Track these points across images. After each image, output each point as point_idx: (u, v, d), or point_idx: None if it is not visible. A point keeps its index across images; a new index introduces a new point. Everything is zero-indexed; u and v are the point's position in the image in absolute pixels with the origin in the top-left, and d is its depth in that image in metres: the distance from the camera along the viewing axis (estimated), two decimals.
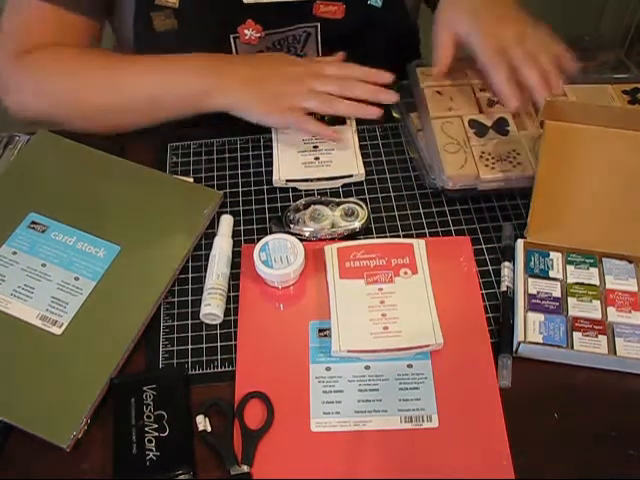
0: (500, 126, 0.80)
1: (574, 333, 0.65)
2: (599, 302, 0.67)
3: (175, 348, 0.67)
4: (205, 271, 0.71)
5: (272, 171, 0.80)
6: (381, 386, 0.64)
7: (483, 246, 0.74)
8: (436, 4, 0.84)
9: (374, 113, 0.79)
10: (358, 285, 0.69)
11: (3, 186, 0.76)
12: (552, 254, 0.70)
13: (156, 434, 0.60)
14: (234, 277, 0.72)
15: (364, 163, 0.80)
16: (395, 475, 0.59)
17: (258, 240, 0.71)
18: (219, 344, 0.67)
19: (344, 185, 0.79)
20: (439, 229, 0.76)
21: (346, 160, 0.80)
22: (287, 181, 0.79)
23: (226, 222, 0.74)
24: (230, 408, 0.63)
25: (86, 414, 0.61)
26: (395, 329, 0.66)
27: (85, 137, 0.80)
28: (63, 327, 0.65)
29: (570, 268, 0.69)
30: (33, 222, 0.72)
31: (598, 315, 0.66)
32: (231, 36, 0.85)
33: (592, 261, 0.70)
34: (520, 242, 0.71)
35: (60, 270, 0.69)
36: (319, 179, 0.79)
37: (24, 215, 0.72)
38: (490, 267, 0.72)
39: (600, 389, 0.64)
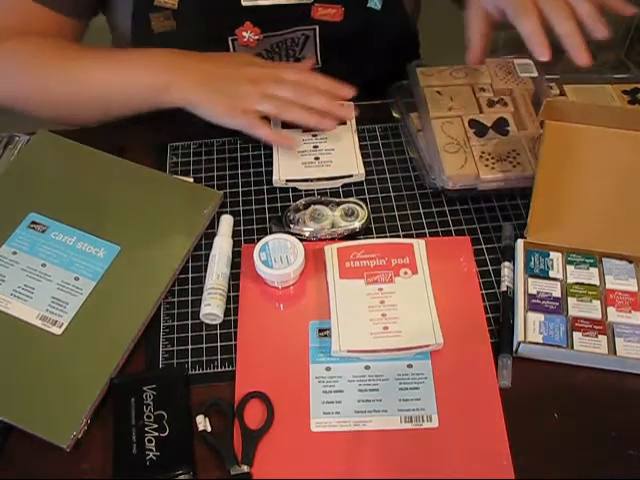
0: (500, 126, 0.80)
1: (574, 333, 0.65)
2: (599, 302, 0.67)
3: (175, 348, 0.67)
4: (205, 271, 0.71)
5: (272, 171, 0.79)
6: (381, 386, 0.64)
7: (483, 246, 0.74)
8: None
9: (326, 126, 0.79)
10: (358, 285, 0.69)
11: (3, 186, 0.76)
12: (552, 254, 0.70)
13: (156, 434, 0.60)
14: (234, 277, 0.72)
15: (364, 163, 0.80)
16: (395, 475, 0.59)
17: (258, 240, 0.71)
18: (219, 344, 0.67)
19: (344, 185, 0.79)
20: (439, 229, 0.76)
21: (346, 160, 0.80)
22: (287, 181, 0.79)
23: (226, 222, 0.74)
24: (230, 408, 0.63)
25: (86, 414, 0.61)
26: (395, 329, 0.66)
27: (85, 137, 0.80)
28: (63, 327, 0.65)
29: (570, 268, 0.69)
30: (33, 222, 0.72)
31: (598, 315, 0.66)
32: (229, 38, 0.85)
33: (592, 261, 0.70)
34: (520, 242, 0.71)
35: (60, 270, 0.69)
36: (319, 179, 0.79)
37: (24, 215, 0.72)
38: (490, 267, 0.72)
39: (600, 389, 0.64)
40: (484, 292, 0.70)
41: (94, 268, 0.69)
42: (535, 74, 0.85)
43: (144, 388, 0.62)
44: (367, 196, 0.78)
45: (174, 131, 0.85)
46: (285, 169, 0.79)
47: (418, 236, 0.74)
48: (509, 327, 0.66)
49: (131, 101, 0.79)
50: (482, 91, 0.84)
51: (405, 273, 0.69)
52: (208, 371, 0.66)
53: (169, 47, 0.81)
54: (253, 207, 0.78)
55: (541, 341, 0.64)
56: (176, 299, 0.71)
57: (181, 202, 0.76)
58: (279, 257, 0.69)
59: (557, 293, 0.67)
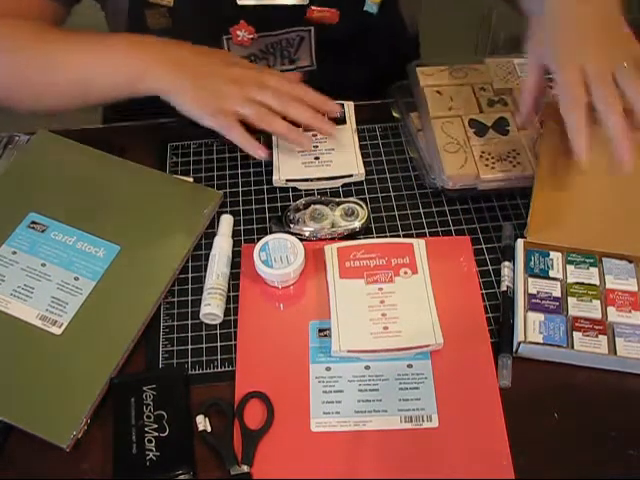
0: (500, 126, 0.80)
1: (574, 333, 0.65)
2: (599, 302, 0.67)
3: (175, 348, 0.67)
4: (205, 271, 0.71)
5: (272, 171, 0.79)
6: (381, 386, 0.64)
7: (483, 246, 0.74)
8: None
9: (302, 143, 0.77)
10: (358, 285, 0.69)
11: (3, 186, 0.76)
12: (552, 254, 0.70)
13: (156, 434, 0.60)
14: (234, 277, 0.72)
15: (364, 163, 0.80)
16: (395, 475, 0.59)
17: (258, 240, 0.71)
18: (219, 344, 0.67)
19: (344, 185, 0.79)
20: (439, 229, 0.76)
21: (346, 160, 0.80)
22: (287, 181, 0.79)
23: (226, 222, 0.74)
24: (230, 408, 0.63)
25: (86, 414, 0.61)
26: (395, 329, 0.66)
27: (85, 137, 0.80)
28: (63, 327, 0.65)
29: (570, 268, 0.69)
30: (33, 222, 0.72)
31: (598, 315, 0.66)
32: (224, 37, 0.85)
33: (592, 261, 0.70)
34: (520, 242, 0.71)
35: (60, 270, 0.69)
36: (319, 179, 0.79)
37: (24, 215, 0.72)
38: (490, 267, 0.72)
39: (600, 389, 0.64)
40: (484, 292, 0.70)
41: (94, 268, 0.69)
42: None
43: (144, 388, 0.62)
44: (367, 196, 0.78)
45: (174, 131, 0.85)
46: (285, 169, 0.79)
47: (418, 236, 0.74)
48: (509, 327, 0.66)
49: (108, 87, 0.77)
50: (482, 91, 0.84)
51: (405, 273, 0.69)
52: (208, 371, 0.66)
53: None
54: (253, 207, 0.78)
55: (541, 341, 0.64)
56: (176, 299, 0.71)
57: (181, 202, 0.76)
58: (279, 257, 0.69)
59: (557, 293, 0.67)
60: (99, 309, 0.67)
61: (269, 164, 0.81)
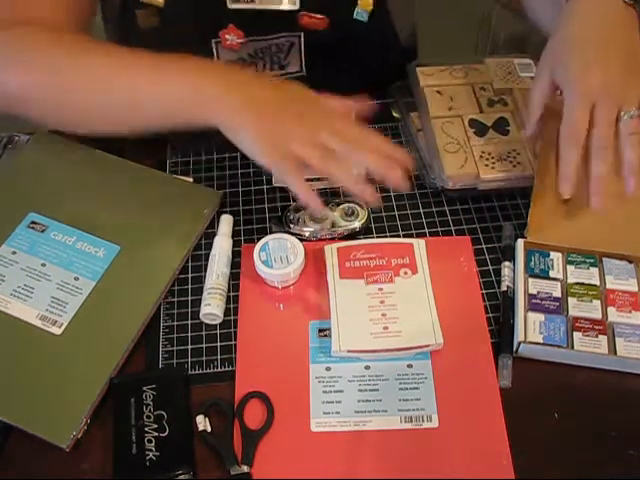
0: (500, 126, 0.80)
1: (574, 333, 0.64)
2: (599, 302, 0.67)
3: (175, 348, 0.67)
4: (205, 271, 0.71)
5: (272, 171, 0.79)
6: (381, 386, 0.64)
7: (483, 246, 0.74)
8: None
9: (370, 199, 0.67)
10: (358, 285, 0.69)
11: (3, 186, 0.76)
12: (552, 254, 0.70)
13: (156, 434, 0.60)
14: (234, 277, 0.72)
15: None
16: (395, 475, 0.59)
17: (258, 240, 0.71)
18: (219, 344, 0.67)
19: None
20: (439, 229, 0.75)
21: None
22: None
23: (226, 222, 0.74)
24: (230, 408, 0.62)
25: (86, 414, 0.61)
26: (395, 329, 0.66)
27: (85, 137, 0.80)
28: (63, 327, 0.65)
29: (570, 268, 0.69)
30: (33, 222, 0.72)
31: (598, 315, 0.66)
32: (213, 40, 0.85)
33: (592, 261, 0.70)
34: (520, 242, 0.71)
35: (60, 270, 0.69)
36: (319, 178, 0.79)
37: (24, 215, 0.72)
38: (490, 267, 0.72)
39: (600, 389, 0.64)
40: (484, 292, 0.70)
41: (94, 268, 0.69)
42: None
43: (144, 388, 0.62)
44: None
45: (174, 131, 0.84)
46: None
47: (418, 236, 0.74)
48: (509, 327, 0.66)
49: (158, 112, 0.70)
50: (482, 91, 0.84)
51: (405, 273, 0.69)
52: (208, 371, 0.66)
53: (154, 44, 0.79)
54: (253, 207, 0.78)
55: (541, 341, 0.64)
56: (176, 299, 0.71)
57: (181, 202, 0.76)
58: (279, 257, 0.69)
59: (557, 293, 0.67)
60: (99, 309, 0.67)
61: None
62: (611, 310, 0.66)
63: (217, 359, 0.66)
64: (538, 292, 0.67)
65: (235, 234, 0.75)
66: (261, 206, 0.78)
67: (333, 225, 0.74)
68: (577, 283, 0.68)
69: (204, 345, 0.67)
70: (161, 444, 0.59)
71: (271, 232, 0.74)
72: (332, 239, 0.74)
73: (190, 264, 0.73)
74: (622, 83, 0.66)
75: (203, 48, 0.84)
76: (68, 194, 0.75)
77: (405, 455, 0.60)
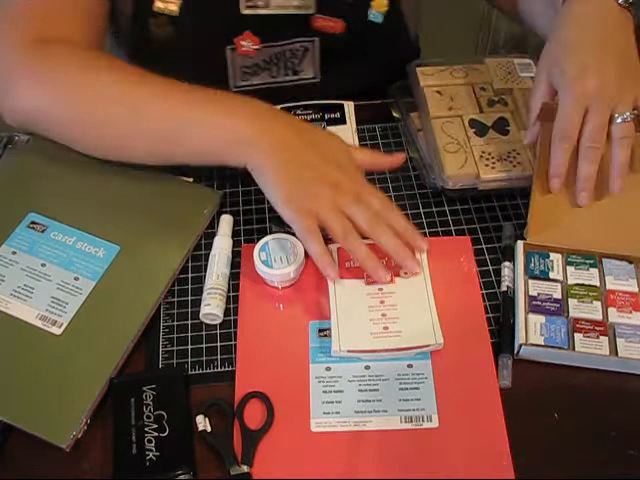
0: (500, 126, 0.80)
1: (575, 334, 0.64)
2: (600, 303, 0.67)
3: (175, 348, 0.67)
4: (205, 271, 0.71)
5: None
6: (381, 386, 0.64)
7: (483, 246, 0.74)
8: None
9: (382, 278, 0.67)
10: (358, 285, 0.69)
11: (3, 186, 0.76)
12: (552, 255, 0.70)
13: (156, 434, 0.60)
14: (234, 277, 0.72)
15: None
16: (395, 475, 0.59)
17: (258, 240, 0.71)
18: (219, 344, 0.67)
19: None
20: (439, 229, 0.76)
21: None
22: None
23: (226, 222, 0.74)
24: (230, 408, 0.62)
25: (86, 414, 0.61)
26: (395, 329, 0.66)
27: None
28: (63, 327, 0.65)
29: (570, 269, 0.69)
30: (33, 222, 0.72)
31: (599, 316, 0.66)
32: (228, 47, 0.85)
33: (592, 262, 0.70)
34: (520, 243, 0.71)
35: (60, 270, 0.69)
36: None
37: (24, 215, 0.72)
38: (490, 267, 0.72)
39: (600, 389, 0.64)
40: (484, 292, 0.70)
41: (94, 268, 0.69)
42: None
43: (144, 388, 0.62)
44: None
45: None
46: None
47: None
48: (509, 327, 0.66)
49: (194, 150, 0.70)
50: (482, 91, 0.84)
51: (405, 273, 0.69)
52: (208, 371, 0.66)
53: (166, 53, 0.79)
54: (253, 207, 0.78)
55: (542, 343, 0.64)
56: (176, 299, 0.71)
57: (181, 202, 0.76)
58: (279, 257, 0.69)
59: (558, 294, 0.67)
60: (99, 309, 0.67)
61: None
62: (612, 311, 0.66)
63: (217, 359, 0.66)
64: (538, 294, 0.67)
65: (235, 234, 0.74)
66: (261, 206, 0.78)
67: None
68: (577, 284, 0.68)
69: (204, 345, 0.67)
70: (161, 444, 0.59)
71: (271, 232, 0.74)
72: (332, 239, 0.74)
73: (190, 264, 0.73)
74: (617, 86, 0.67)
75: (217, 55, 0.84)
76: (68, 194, 0.75)
77: (405, 455, 0.60)
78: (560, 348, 0.64)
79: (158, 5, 0.80)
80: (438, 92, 0.84)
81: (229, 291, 0.70)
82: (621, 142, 0.68)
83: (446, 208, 0.77)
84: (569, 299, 0.67)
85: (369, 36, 0.87)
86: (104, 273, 0.69)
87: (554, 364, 0.65)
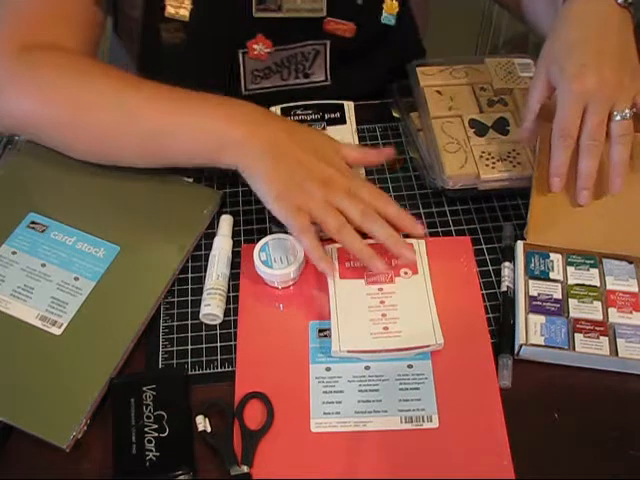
0: (500, 126, 0.80)
1: (575, 335, 0.64)
2: (600, 303, 0.67)
3: (175, 348, 0.67)
4: (205, 271, 0.71)
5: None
6: (381, 386, 0.64)
7: (483, 246, 0.74)
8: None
9: (378, 268, 0.67)
10: (358, 285, 0.69)
11: (3, 186, 0.76)
12: (552, 255, 0.70)
13: (156, 434, 0.60)
14: (234, 277, 0.72)
15: None
16: (395, 475, 0.59)
17: (258, 240, 0.71)
18: (219, 344, 0.67)
19: None
20: (439, 229, 0.75)
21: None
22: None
23: (226, 222, 0.74)
24: (230, 408, 0.62)
25: (86, 414, 0.61)
26: (395, 329, 0.66)
27: None
28: (63, 327, 0.65)
29: (570, 269, 0.69)
30: (33, 222, 0.72)
31: (599, 316, 0.66)
32: (240, 51, 0.84)
33: (592, 262, 0.70)
34: (520, 244, 0.71)
35: (60, 270, 0.69)
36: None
37: (24, 215, 0.72)
38: (490, 267, 0.72)
39: (600, 389, 0.64)
40: (484, 292, 0.70)
41: (94, 268, 0.69)
42: None
43: (144, 388, 0.62)
44: None
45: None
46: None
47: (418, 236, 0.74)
48: (509, 327, 0.66)
49: (184, 151, 0.70)
50: (482, 91, 0.84)
51: (405, 273, 0.69)
52: (208, 371, 0.66)
53: (178, 58, 0.78)
54: (253, 207, 0.78)
55: (543, 343, 0.64)
56: (176, 299, 0.71)
57: (181, 202, 0.76)
58: (279, 257, 0.69)
59: (558, 295, 0.67)
60: (99, 309, 0.67)
61: None
62: (612, 311, 0.66)
63: (217, 359, 0.66)
64: (539, 294, 0.67)
65: (235, 234, 0.74)
66: (261, 206, 0.77)
67: None
68: (577, 284, 0.68)
69: (204, 345, 0.67)
70: (161, 444, 0.59)
71: (271, 232, 0.74)
72: (332, 239, 0.74)
73: (190, 264, 0.73)
74: (616, 84, 0.67)
75: (228, 59, 0.84)
76: (68, 194, 0.75)
77: (405, 455, 0.60)
78: (560, 348, 0.64)
79: (169, 10, 0.79)
80: (438, 92, 0.84)
81: (229, 291, 0.70)
82: (620, 140, 0.67)
83: (446, 208, 0.77)
84: (569, 299, 0.67)
85: (380, 38, 0.87)
86: (104, 273, 0.69)
87: (554, 364, 0.65)
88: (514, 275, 0.70)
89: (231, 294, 0.70)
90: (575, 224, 0.71)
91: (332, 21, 0.83)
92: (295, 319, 0.68)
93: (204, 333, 0.68)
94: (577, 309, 0.66)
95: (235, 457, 0.59)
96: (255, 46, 0.83)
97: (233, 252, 0.73)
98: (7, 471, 0.60)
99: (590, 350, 0.63)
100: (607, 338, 0.64)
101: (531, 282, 0.68)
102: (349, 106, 0.84)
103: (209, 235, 0.74)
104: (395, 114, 0.86)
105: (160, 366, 0.66)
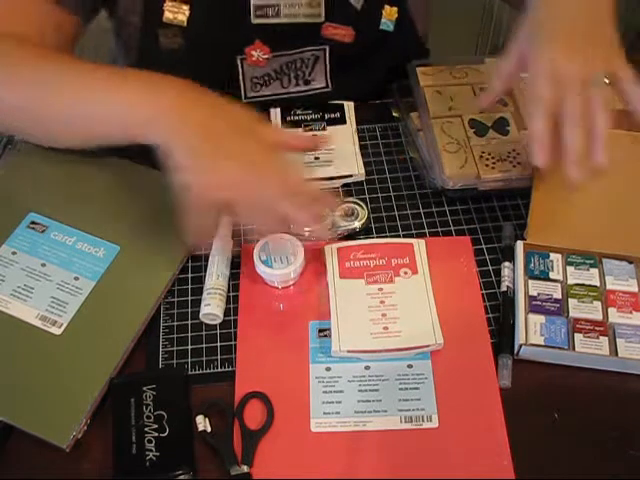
0: (500, 126, 0.80)
1: (575, 335, 0.64)
2: (600, 303, 0.67)
3: (175, 348, 0.67)
4: (205, 271, 0.71)
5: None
6: (381, 386, 0.64)
7: (483, 246, 0.74)
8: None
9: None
10: (358, 285, 0.69)
11: (3, 186, 0.76)
12: (552, 255, 0.70)
13: (156, 434, 0.60)
14: (234, 277, 0.72)
15: (364, 163, 0.80)
16: (395, 475, 0.59)
17: (258, 240, 0.71)
18: (219, 344, 0.67)
19: (344, 185, 0.79)
20: (439, 229, 0.75)
21: (346, 160, 0.80)
22: None
23: (226, 222, 0.74)
24: (230, 408, 0.62)
25: (86, 414, 0.61)
26: (395, 329, 0.66)
27: None
28: (63, 327, 0.65)
29: (570, 269, 0.69)
30: (33, 222, 0.72)
31: (599, 316, 0.66)
32: (238, 57, 0.84)
33: (592, 262, 0.70)
34: (520, 244, 0.71)
35: (60, 270, 0.69)
36: (319, 179, 0.79)
37: (24, 215, 0.72)
38: (490, 267, 0.72)
39: (600, 389, 0.64)
40: (484, 292, 0.70)
41: (94, 268, 0.69)
42: None
43: (144, 388, 0.62)
44: (367, 196, 0.78)
45: None
46: None
47: (418, 236, 0.74)
48: (509, 327, 0.66)
49: (105, 129, 0.69)
50: (482, 91, 0.84)
51: (405, 273, 0.69)
52: (208, 371, 0.66)
53: (176, 64, 0.78)
54: None
55: (542, 343, 0.64)
56: (176, 299, 0.71)
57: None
58: (279, 257, 0.69)
59: (558, 294, 0.67)
60: (99, 309, 0.67)
61: None
62: (612, 311, 0.66)
63: (217, 359, 0.66)
64: (538, 294, 0.67)
65: (235, 234, 0.74)
66: None
67: (333, 225, 0.74)
68: (577, 284, 0.68)
69: (204, 345, 0.67)
70: (161, 444, 0.59)
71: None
72: (332, 239, 0.74)
73: (190, 264, 0.73)
74: (588, 51, 0.65)
75: (227, 65, 0.83)
76: (68, 194, 0.75)
77: (405, 455, 0.60)
78: (560, 348, 0.64)
79: (167, 16, 0.79)
80: (438, 92, 0.84)
81: (229, 291, 0.70)
82: (599, 107, 0.63)
83: (446, 208, 0.77)
84: (569, 299, 0.67)
85: (380, 43, 0.87)
86: (104, 273, 0.69)
87: (554, 364, 0.65)
88: (514, 275, 0.70)
89: (231, 294, 0.70)
90: (575, 224, 0.71)
91: (330, 26, 0.83)
92: (295, 319, 0.68)
93: (204, 333, 0.68)
94: (577, 309, 0.66)
95: (235, 457, 0.60)
96: (253, 52, 0.83)
97: (233, 252, 0.73)
98: (7, 471, 0.60)
99: (590, 350, 0.63)
100: (607, 338, 0.64)
101: (531, 282, 0.68)
102: (349, 106, 0.85)
103: None
104: (395, 114, 0.86)
105: (160, 366, 0.66)
